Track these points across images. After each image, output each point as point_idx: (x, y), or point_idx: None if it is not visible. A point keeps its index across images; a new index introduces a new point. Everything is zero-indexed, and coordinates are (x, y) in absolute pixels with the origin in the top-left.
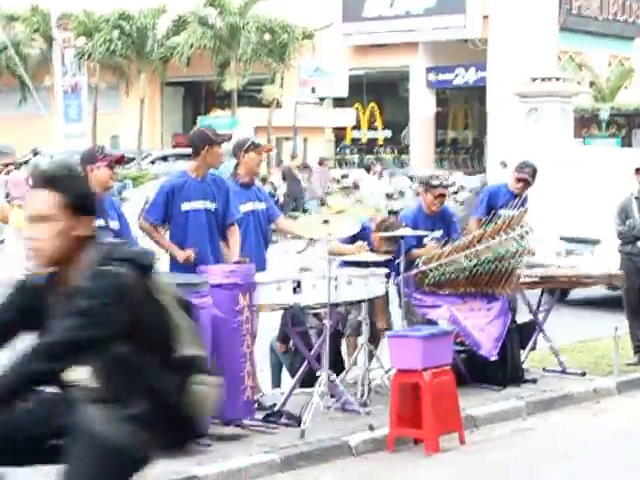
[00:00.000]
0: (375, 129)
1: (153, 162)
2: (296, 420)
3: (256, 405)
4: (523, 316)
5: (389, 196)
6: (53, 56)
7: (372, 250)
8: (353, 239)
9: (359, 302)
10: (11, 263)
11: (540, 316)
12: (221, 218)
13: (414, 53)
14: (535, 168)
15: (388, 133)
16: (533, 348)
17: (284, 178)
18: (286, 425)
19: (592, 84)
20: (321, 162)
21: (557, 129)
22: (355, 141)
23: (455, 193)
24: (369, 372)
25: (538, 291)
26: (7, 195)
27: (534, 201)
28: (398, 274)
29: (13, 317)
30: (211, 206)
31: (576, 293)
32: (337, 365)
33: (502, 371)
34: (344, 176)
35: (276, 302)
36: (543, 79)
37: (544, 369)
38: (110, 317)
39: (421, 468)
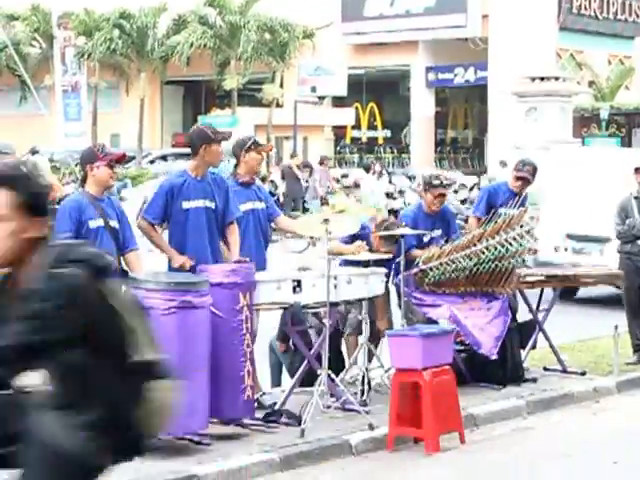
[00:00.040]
0: (375, 128)
1: (152, 161)
2: (296, 419)
3: (256, 404)
4: (523, 315)
5: (389, 195)
6: (53, 55)
7: (371, 250)
8: (352, 239)
9: (359, 301)
10: None
11: (540, 315)
12: (221, 217)
13: (414, 52)
14: (535, 166)
15: (388, 132)
16: (533, 347)
17: (283, 177)
18: (286, 424)
19: (592, 83)
20: (322, 161)
21: (557, 128)
22: (355, 140)
23: (456, 192)
24: (369, 371)
25: (537, 290)
26: None
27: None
28: (397, 274)
29: None
30: (211, 205)
31: (583, 292)
32: (337, 364)
33: (502, 370)
34: (344, 175)
35: (276, 301)
36: (542, 78)
37: (544, 368)
38: (63, 320)
39: (421, 467)
